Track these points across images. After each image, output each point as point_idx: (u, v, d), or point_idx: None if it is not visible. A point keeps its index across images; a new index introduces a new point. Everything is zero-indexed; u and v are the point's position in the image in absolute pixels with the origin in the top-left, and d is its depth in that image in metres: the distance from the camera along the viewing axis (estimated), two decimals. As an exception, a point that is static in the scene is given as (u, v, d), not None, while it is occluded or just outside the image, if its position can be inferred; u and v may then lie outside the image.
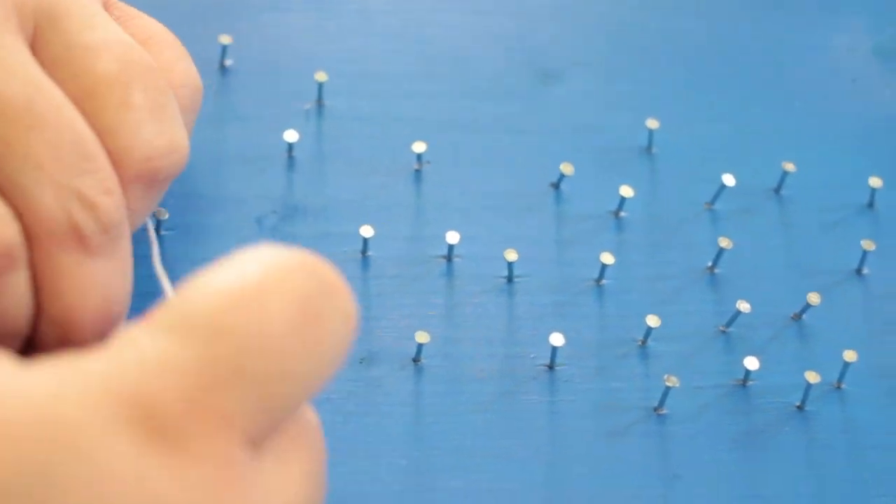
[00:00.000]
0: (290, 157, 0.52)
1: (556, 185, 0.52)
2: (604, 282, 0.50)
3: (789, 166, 0.52)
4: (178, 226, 0.49)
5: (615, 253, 0.50)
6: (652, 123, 0.53)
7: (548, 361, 0.48)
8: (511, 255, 0.49)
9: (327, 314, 0.32)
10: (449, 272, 0.50)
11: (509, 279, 0.50)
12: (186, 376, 0.30)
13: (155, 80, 0.39)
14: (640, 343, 0.49)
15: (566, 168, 0.51)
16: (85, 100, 0.37)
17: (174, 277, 0.48)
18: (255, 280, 0.31)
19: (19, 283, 0.35)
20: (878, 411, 0.48)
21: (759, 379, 0.48)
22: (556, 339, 0.47)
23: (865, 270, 0.51)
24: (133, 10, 0.44)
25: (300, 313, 0.31)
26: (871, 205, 0.53)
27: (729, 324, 0.49)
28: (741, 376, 0.48)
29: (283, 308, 0.31)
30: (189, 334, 0.30)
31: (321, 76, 0.53)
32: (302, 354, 0.31)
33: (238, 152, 0.52)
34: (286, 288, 0.31)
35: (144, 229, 0.43)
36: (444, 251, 0.50)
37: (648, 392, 0.48)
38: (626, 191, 0.51)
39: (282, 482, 0.32)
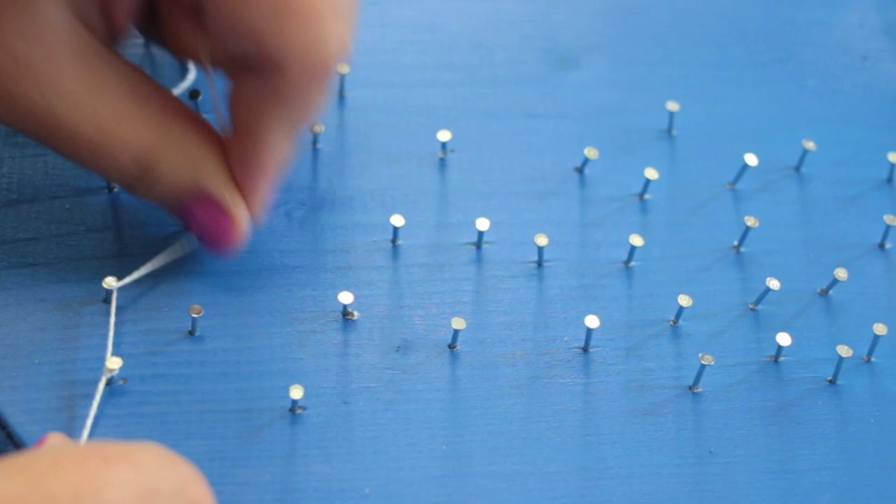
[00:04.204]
0: (315, 149, 0.52)
1: (580, 170, 0.53)
2: (632, 263, 0.50)
3: (809, 144, 0.53)
4: (207, 220, 0.50)
5: (641, 235, 0.50)
6: (672, 105, 0.54)
7: (580, 344, 0.48)
8: (541, 240, 0.49)
9: None
10: (478, 258, 0.50)
11: (539, 263, 0.50)
12: None
13: None
14: (671, 323, 0.49)
15: (590, 152, 0.52)
16: None
17: (207, 273, 0.49)
18: None
19: None
20: (907, 383, 0.49)
21: (789, 354, 0.49)
22: (592, 322, 0.47)
23: (888, 244, 0.52)
24: None
25: None
26: (889, 179, 0.54)
27: (758, 301, 0.50)
28: (772, 352, 0.49)
29: None
30: None
31: (343, 67, 0.53)
32: None
33: (262, 146, 0.52)
34: None
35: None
36: (472, 237, 0.50)
37: (681, 371, 0.48)
38: (651, 173, 0.51)
39: None
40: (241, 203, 0.45)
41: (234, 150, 0.45)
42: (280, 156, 0.45)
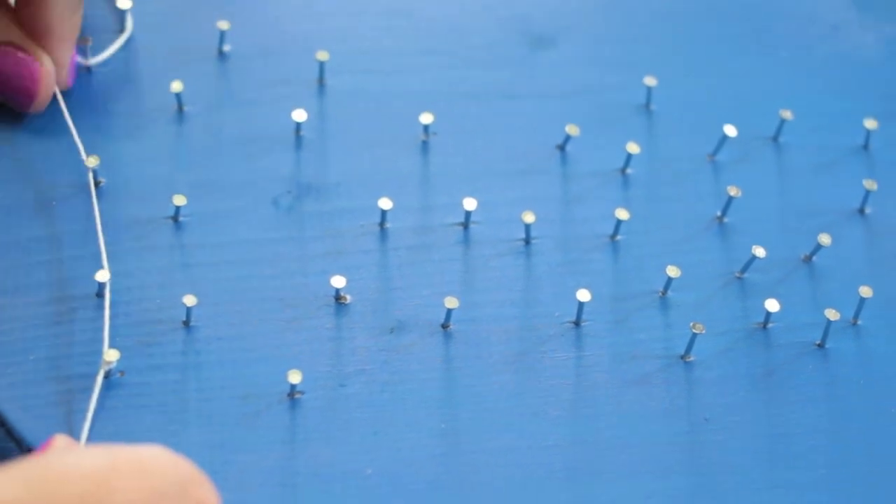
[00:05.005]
0: (299, 137, 0.52)
1: (562, 147, 0.53)
2: (618, 237, 0.51)
3: (786, 114, 0.54)
4: (195, 213, 0.50)
5: (625, 208, 0.51)
6: (650, 81, 0.54)
7: (570, 318, 0.49)
8: (528, 217, 0.50)
9: None
10: (466, 238, 0.51)
11: (526, 241, 0.51)
12: None
13: None
14: (660, 294, 0.50)
15: (571, 129, 0.52)
16: None
17: (199, 264, 0.49)
18: None
19: None
20: (893, 343, 0.50)
21: (777, 320, 0.50)
22: (583, 295, 0.48)
23: (868, 209, 0.53)
24: None
25: None
26: (865, 146, 0.55)
27: (744, 269, 0.50)
28: (759, 319, 0.49)
29: None
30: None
31: (322, 55, 0.53)
32: None
33: (244, 136, 0.52)
34: None
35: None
36: (458, 218, 0.51)
37: (671, 341, 0.49)
38: (633, 147, 0.52)
39: None
40: (45, 54, 0.49)
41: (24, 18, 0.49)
42: (67, 19, 0.49)
